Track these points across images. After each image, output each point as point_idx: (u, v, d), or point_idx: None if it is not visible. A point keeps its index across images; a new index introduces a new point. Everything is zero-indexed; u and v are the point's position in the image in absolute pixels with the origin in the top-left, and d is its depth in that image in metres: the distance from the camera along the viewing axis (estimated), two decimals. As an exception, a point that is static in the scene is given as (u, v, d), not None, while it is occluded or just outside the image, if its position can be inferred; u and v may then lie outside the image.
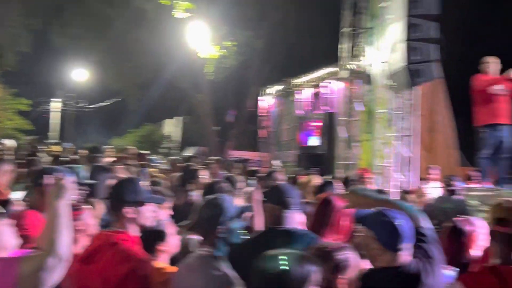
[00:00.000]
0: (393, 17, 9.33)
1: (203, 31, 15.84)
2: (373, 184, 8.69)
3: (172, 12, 15.76)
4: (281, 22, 18.51)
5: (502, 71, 8.17)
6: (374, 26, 11.89)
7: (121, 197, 2.93)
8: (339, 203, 3.28)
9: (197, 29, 15.77)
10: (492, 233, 2.67)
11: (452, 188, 7.11)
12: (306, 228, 3.27)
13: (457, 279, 2.80)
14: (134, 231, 2.93)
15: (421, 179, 10.11)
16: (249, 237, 3.21)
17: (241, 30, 17.58)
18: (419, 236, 2.73)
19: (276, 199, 3.18)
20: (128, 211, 2.90)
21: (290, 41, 19.12)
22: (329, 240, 3.08)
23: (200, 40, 16.10)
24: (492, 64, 8.21)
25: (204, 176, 5.74)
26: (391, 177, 9.96)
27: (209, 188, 4.43)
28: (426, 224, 2.80)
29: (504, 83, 8.03)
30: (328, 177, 7.40)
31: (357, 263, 2.58)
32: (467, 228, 3.83)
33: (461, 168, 11.91)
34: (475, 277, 2.69)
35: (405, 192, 8.31)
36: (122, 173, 5.35)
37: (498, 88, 8.00)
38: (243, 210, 3.11)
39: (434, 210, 6.33)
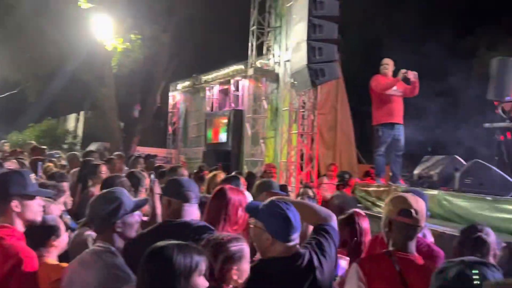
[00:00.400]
0: (297, 17, 9.57)
1: (107, 23, 15.39)
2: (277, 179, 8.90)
3: (79, 3, 15.15)
4: (190, 17, 18.36)
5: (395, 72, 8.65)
6: (281, 26, 12.15)
7: (6, 189, 2.77)
8: (234, 195, 3.32)
9: (101, 20, 15.29)
10: (392, 223, 2.81)
11: (344, 183, 7.44)
12: (204, 221, 3.28)
13: (354, 262, 2.92)
14: (20, 226, 2.79)
15: (322, 175, 10.49)
16: (145, 231, 3.16)
17: (147, 24, 17.25)
18: (319, 231, 2.81)
19: (174, 193, 3.17)
20: (14, 205, 2.76)
21: (198, 37, 19.02)
22: (226, 232, 3.10)
23: (104, 32, 15.63)
24: (389, 66, 8.67)
25: (104, 171, 5.60)
26: (293, 172, 10.22)
27: (108, 183, 4.31)
28: (333, 223, 2.88)
29: (399, 84, 8.51)
30: (233, 173, 7.48)
31: (250, 254, 2.63)
32: (359, 220, 4.06)
33: (359, 165, 12.48)
34: (372, 260, 2.83)
35: (306, 187, 8.54)
36: (14, 167, 5.09)
37: (394, 89, 8.46)
38: (141, 203, 3.06)
39: (329, 205, 6.61)
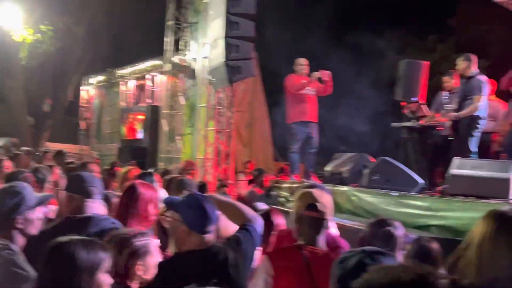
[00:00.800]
0: (214, 14, 9.54)
1: (15, 13, 14.65)
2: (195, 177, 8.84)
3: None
4: (105, 10, 17.83)
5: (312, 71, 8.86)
6: (198, 21, 12.08)
7: None
8: (145, 190, 3.26)
9: (9, 10, 14.54)
10: (301, 218, 2.86)
11: (253, 180, 7.57)
12: (114, 217, 3.20)
13: (264, 254, 2.94)
14: None
15: (238, 172, 10.56)
16: (46, 227, 3.04)
17: (59, 15, 16.56)
18: (241, 230, 2.80)
19: (75, 188, 3.10)
20: None
21: (114, 30, 18.52)
22: (135, 227, 3.04)
23: (13, 22, 14.87)
24: (305, 66, 8.84)
25: (8, 166, 5.33)
26: (210, 169, 10.21)
27: (11, 178, 4.11)
28: (257, 225, 2.86)
29: (313, 83, 8.72)
30: (148, 170, 7.36)
31: (156, 249, 2.59)
32: (274, 216, 4.15)
33: (276, 162, 12.69)
34: (281, 254, 2.87)
35: (222, 185, 8.58)
36: None
37: (308, 88, 8.66)
38: (44, 199, 2.93)
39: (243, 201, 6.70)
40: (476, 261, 1.85)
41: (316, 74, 8.61)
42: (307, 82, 8.58)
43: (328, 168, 8.46)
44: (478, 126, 7.28)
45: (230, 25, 8.78)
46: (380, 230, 2.95)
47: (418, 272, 1.32)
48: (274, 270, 2.69)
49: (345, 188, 7.45)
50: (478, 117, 7.22)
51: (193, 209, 2.62)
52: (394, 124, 9.10)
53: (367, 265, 1.86)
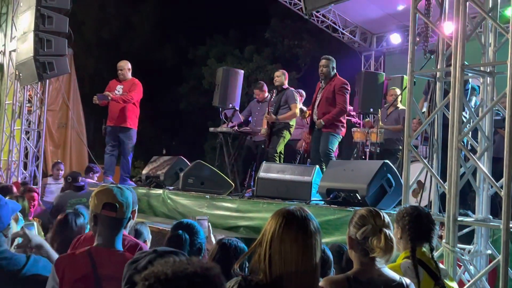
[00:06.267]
0: (25, 6, 8.88)
1: None
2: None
3: None
4: None
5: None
6: (7, 13, 11.16)
7: None
8: None
9: None
10: (97, 217, 2.69)
11: (77, 184, 7.24)
12: None
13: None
14: None
15: (49, 175, 9.95)
16: None
17: None
18: None
19: None
20: None
21: None
22: None
23: None
24: (124, 69, 8.59)
25: None
26: (16, 171, 9.45)
27: None
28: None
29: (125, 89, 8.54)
30: None
31: None
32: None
33: (91, 164, 12.18)
34: (69, 258, 2.64)
35: (29, 190, 7.93)
36: None
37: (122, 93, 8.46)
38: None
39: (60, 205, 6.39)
40: (267, 257, 1.92)
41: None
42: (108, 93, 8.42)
43: (145, 171, 8.37)
44: (290, 132, 7.88)
45: (42, 18, 8.24)
46: (175, 232, 2.96)
47: (203, 266, 1.36)
48: (59, 276, 2.50)
49: (160, 191, 7.44)
50: (289, 125, 7.81)
51: None
52: (211, 129, 9.34)
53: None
